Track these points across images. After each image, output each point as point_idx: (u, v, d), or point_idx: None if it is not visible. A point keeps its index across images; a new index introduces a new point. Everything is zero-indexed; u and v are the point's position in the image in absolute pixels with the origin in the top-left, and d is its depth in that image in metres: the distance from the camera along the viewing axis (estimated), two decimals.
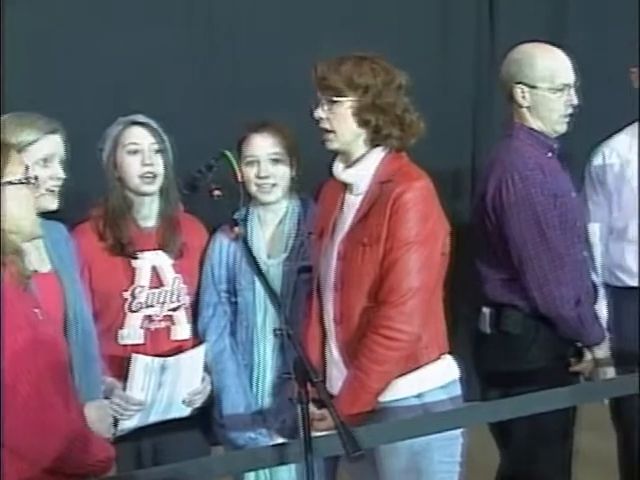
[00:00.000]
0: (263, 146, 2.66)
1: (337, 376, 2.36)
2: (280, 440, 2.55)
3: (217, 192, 2.21)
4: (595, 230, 2.92)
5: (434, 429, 2.23)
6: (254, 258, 2.16)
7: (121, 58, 3.17)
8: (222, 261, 2.73)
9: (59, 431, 1.88)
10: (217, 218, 2.76)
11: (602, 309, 2.89)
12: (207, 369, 2.65)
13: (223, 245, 2.73)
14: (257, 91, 3.35)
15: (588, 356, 2.80)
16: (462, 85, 4.16)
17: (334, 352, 2.41)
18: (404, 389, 2.31)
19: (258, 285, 2.64)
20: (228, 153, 2.19)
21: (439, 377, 2.34)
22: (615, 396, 2.61)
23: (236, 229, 2.18)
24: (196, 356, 2.60)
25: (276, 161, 2.67)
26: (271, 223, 2.71)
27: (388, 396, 2.31)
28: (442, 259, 2.37)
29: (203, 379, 2.64)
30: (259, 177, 2.64)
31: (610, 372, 2.82)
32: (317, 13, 3.69)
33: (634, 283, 2.88)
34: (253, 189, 2.65)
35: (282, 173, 2.67)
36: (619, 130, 2.99)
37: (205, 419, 2.71)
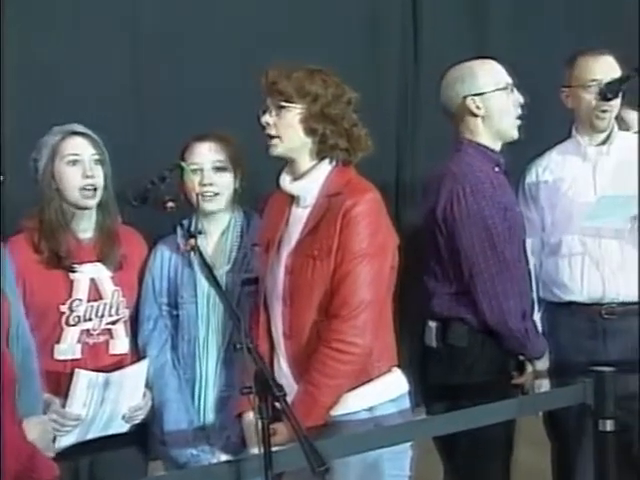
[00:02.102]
0: (207, 154, 2.63)
1: (287, 391, 2.33)
2: (224, 457, 2.52)
3: (170, 204, 2.18)
4: (528, 245, 2.98)
5: (385, 443, 2.23)
6: (212, 271, 2.12)
7: (53, 65, 3.08)
8: (163, 274, 2.68)
9: (12, 449, 1.81)
10: (157, 229, 2.73)
11: (538, 323, 2.95)
12: (148, 384, 2.60)
13: (164, 257, 2.69)
14: (201, 104, 3.32)
15: (529, 369, 2.85)
16: (387, 101, 4.21)
17: (283, 366, 2.39)
18: (355, 403, 2.31)
19: (200, 298, 2.63)
20: (183, 164, 2.16)
21: (390, 390, 2.35)
22: (558, 407, 2.66)
23: (191, 241, 2.14)
24: (139, 371, 2.54)
25: (219, 169, 2.64)
26: (214, 234, 2.67)
27: (339, 410, 2.31)
28: (392, 272, 2.38)
29: (144, 394, 2.59)
30: (202, 185, 2.60)
31: (546, 384, 2.88)
32: (247, 28, 3.69)
33: (568, 298, 2.94)
34: (195, 197, 2.60)
35: (226, 182, 2.65)
36: (551, 147, 3.06)
37: (143, 435, 2.65)
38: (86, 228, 2.63)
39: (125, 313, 2.63)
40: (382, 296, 2.34)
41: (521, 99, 2.81)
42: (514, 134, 2.82)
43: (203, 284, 2.59)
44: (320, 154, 2.39)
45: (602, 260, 2.90)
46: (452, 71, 2.87)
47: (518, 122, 2.82)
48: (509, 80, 2.82)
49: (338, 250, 2.30)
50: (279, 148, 2.39)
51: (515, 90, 2.81)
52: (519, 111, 2.81)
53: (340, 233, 2.30)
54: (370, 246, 2.30)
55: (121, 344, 2.62)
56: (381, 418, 2.31)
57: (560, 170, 2.99)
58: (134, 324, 2.67)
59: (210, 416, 2.60)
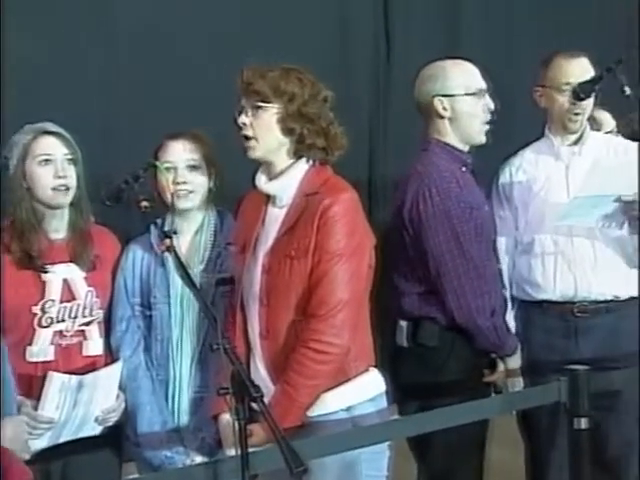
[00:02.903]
0: (180, 152, 2.61)
1: (264, 392, 2.32)
2: (199, 459, 2.51)
3: (145, 203, 2.16)
4: (501, 244, 2.99)
5: (364, 443, 2.23)
6: (187, 271, 2.10)
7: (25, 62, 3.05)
8: (136, 274, 2.65)
9: None
10: (130, 229, 2.71)
11: (511, 321, 2.96)
12: (121, 386, 2.57)
13: (137, 257, 2.66)
14: (174, 105, 3.31)
15: (501, 367, 2.87)
16: (359, 100, 4.21)
17: (260, 368, 2.38)
18: (333, 403, 2.30)
19: (174, 298, 2.60)
20: (157, 163, 2.14)
21: (367, 390, 2.35)
22: (533, 406, 2.67)
23: (166, 241, 2.12)
24: (112, 373, 2.51)
25: (193, 168, 2.61)
26: (187, 234, 2.64)
27: (317, 410, 2.30)
28: (369, 271, 2.38)
29: (117, 396, 2.56)
30: (176, 183, 2.58)
31: (519, 383, 2.90)
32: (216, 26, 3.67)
33: (541, 297, 2.96)
34: (169, 196, 2.58)
35: (200, 181, 2.62)
36: (524, 146, 3.08)
37: (116, 437, 2.63)
38: (58, 228, 2.59)
39: (99, 314, 2.60)
40: (359, 295, 2.34)
41: (491, 105, 2.81)
42: (481, 139, 2.83)
43: (176, 284, 2.57)
44: (297, 153, 2.38)
45: (574, 259, 2.92)
46: (427, 68, 2.88)
47: (486, 127, 2.83)
48: (482, 85, 2.82)
49: (315, 250, 2.29)
50: (257, 151, 2.37)
51: (487, 96, 2.81)
52: (488, 117, 2.82)
53: (317, 232, 2.29)
54: (347, 246, 2.29)
55: (94, 345, 2.59)
56: (359, 418, 2.31)
57: (533, 170, 3.00)
58: (107, 325, 2.64)
59: (184, 417, 2.58)
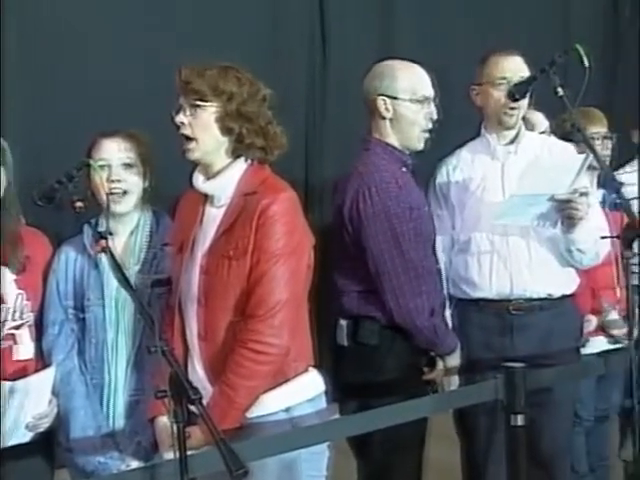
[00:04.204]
0: (115, 150, 2.55)
1: (202, 393, 2.28)
2: (135, 463, 2.46)
3: (79, 204, 2.09)
4: (439, 243, 3.01)
5: (303, 443, 2.21)
6: (123, 272, 2.05)
7: None
8: (69, 276, 2.59)
9: None
10: (62, 230, 2.64)
11: (448, 320, 2.98)
12: (53, 391, 2.50)
13: (70, 259, 2.60)
14: (109, 104, 3.25)
15: (440, 365, 2.88)
16: (294, 100, 4.20)
17: (198, 369, 2.34)
18: (272, 404, 2.28)
19: (108, 300, 2.55)
20: (91, 161, 2.08)
21: (307, 391, 2.33)
22: (472, 404, 2.69)
23: (102, 242, 2.07)
24: (44, 378, 2.45)
25: (128, 166, 2.56)
26: (122, 234, 2.59)
27: (256, 411, 2.27)
28: (308, 271, 2.36)
29: (50, 401, 2.50)
30: (110, 181, 2.52)
31: (455, 381, 2.92)
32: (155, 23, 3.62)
33: (477, 295, 2.98)
34: (104, 196, 2.52)
35: (135, 180, 2.57)
36: (461, 146, 3.10)
37: (48, 443, 2.56)
38: None
39: (30, 317, 2.54)
40: (299, 296, 2.32)
41: (435, 115, 2.82)
42: (418, 146, 2.85)
43: (111, 286, 2.52)
44: (236, 153, 2.35)
45: (510, 257, 2.96)
46: (378, 65, 2.89)
47: (425, 135, 2.84)
48: (429, 93, 2.83)
49: (254, 250, 2.26)
50: (196, 152, 2.34)
51: (432, 104, 2.82)
52: (429, 125, 2.83)
53: (256, 232, 2.26)
54: (286, 245, 2.27)
55: (25, 350, 2.53)
56: (298, 419, 2.29)
57: (469, 169, 3.03)
58: (39, 329, 2.57)
59: (120, 421, 2.53)
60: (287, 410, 2.29)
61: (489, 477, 2.98)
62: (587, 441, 3.55)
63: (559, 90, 2.64)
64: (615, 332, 3.34)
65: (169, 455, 2.15)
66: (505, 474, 2.60)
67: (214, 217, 2.36)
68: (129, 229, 2.61)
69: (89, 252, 2.55)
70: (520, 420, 2.53)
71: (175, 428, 1.91)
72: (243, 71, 2.35)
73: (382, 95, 2.80)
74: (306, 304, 2.38)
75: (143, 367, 2.50)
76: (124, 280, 2.04)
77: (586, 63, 2.58)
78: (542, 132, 3.30)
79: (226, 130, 2.31)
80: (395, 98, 2.79)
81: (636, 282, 3.37)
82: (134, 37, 3.46)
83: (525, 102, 2.96)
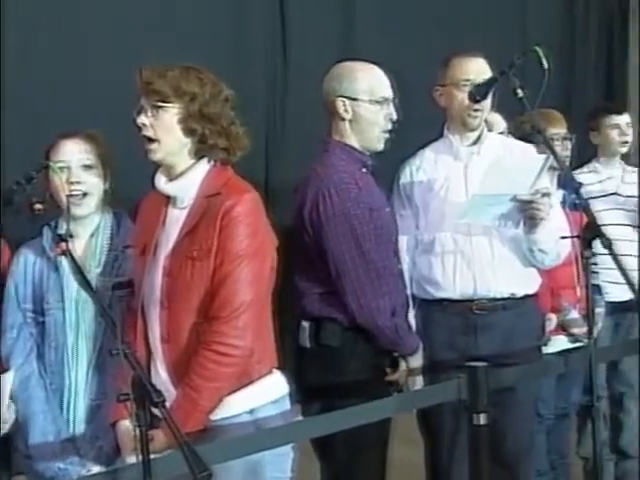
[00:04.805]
0: (74, 151, 2.52)
1: (165, 397, 2.26)
2: (96, 468, 2.43)
3: (38, 206, 2.06)
4: (402, 243, 3.01)
5: (268, 445, 2.20)
6: (84, 275, 2.03)
7: None
8: (27, 279, 2.56)
9: None
10: (20, 233, 2.60)
11: (412, 320, 2.98)
12: (11, 396, 2.47)
13: (28, 262, 2.57)
14: (71, 104, 3.21)
15: (403, 366, 2.88)
16: (254, 101, 4.19)
17: (161, 372, 2.31)
18: (236, 406, 2.26)
19: (68, 303, 2.52)
20: (51, 163, 2.05)
21: (271, 392, 2.31)
22: (435, 404, 2.70)
23: (62, 245, 2.04)
24: (2, 383, 2.41)
25: (88, 167, 2.53)
26: (82, 237, 2.56)
27: (220, 414, 2.25)
28: (271, 273, 2.35)
29: (8, 407, 2.46)
30: (70, 183, 2.49)
31: (419, 381, 2.92)
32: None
33: (441, 295, 2.99)
34: (64, 198, 2.48)
35: (95, 182, 2.55)
36: (424, 146, 3.10)
37: (4, 449, 2.53)
38: None
39: None
40: (262, 297, 2.30)
41: (394, 115, 2.83)
42: (378, 147, 2.85)
43: (71, 289, 2.49)
44: (198, 154, 2.33)
45: (473, 257, 2.97)
46: (337, 66, 2.88)
47: (385, 136, 2.85)
48: (388, 94, 2.83)
49: (218, 251, 2.24)
50: (159, 154, 2.31)
51: (391, 105, 2.83)
52: (389, 126, 2.84)
53: (220, 234, 2.24)
54: (250, 247, 2.26)
55: None
56: (262, 420, 2.27)
57: (433, 169, 3.03)
58: None
59: (80, 426, 2.49)
60: (251, 412, 2.27)
61: (453, 477, 2.99)
62: (547, 439, 3.58)
63: (519, 92, 2.65)
64: (575, 331, 3.37)
65: (132, 459, 2.13)
66: (468, 473, 2.60)
67: (177, 218, 2.34)
68: (89, 231, 2.58)
69: (48, 255, 2.52)
70: (483, 419, 2.54)
71: (138, 431, 1.89)
72: (205, 72, 2.33)
73: (341, 96, 2.80)
74: (269, 306, 2.36)
75: (104, 370, 2.47)
76: (85, 283, 2.02)
77: (545, 65, 2.59)
78: (500, 133, 3.32)
79: (189, 131, 2.29)
80: (354, 99, 2.79)
81: (596, 282, 3.41)
82: (99, 37, 3.43)
83: (488, 103, 2.98)
